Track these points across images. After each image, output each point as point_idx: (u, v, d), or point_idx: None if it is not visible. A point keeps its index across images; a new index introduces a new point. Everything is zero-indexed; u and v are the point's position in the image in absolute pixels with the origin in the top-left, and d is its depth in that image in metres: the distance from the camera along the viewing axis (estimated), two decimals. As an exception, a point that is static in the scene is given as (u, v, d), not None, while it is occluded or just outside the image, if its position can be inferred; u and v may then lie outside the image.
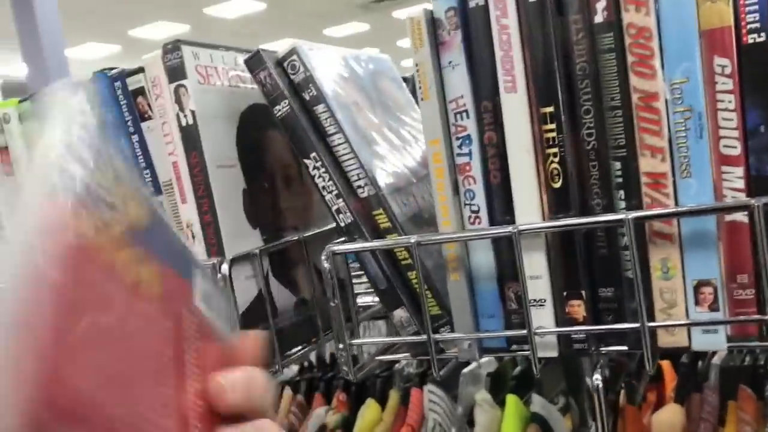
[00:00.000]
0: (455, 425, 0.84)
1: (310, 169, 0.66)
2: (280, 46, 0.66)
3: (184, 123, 0.67)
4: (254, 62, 0.65)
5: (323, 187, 0.66)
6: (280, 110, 0.65)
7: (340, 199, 0.65)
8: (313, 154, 0.65)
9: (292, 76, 0.66)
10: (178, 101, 0.67)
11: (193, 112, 0.66)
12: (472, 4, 0.57)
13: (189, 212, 0.69)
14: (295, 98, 0.65)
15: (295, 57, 0.65)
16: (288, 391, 1.05)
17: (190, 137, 0.67)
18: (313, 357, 1.19)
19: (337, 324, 0.63)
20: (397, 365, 0.98)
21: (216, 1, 7.12)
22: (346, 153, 0.65)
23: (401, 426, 0.86)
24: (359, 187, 0.66)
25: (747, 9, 0.51)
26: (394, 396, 0.91)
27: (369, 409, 0.90)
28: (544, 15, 0.55)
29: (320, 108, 0.65)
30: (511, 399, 0.79)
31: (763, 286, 0.52)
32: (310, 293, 0.78)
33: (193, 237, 0.69)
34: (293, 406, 1.02)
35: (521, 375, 0.88)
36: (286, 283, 0.76)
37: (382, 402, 0.91)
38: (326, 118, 0.65)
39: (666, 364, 0.88)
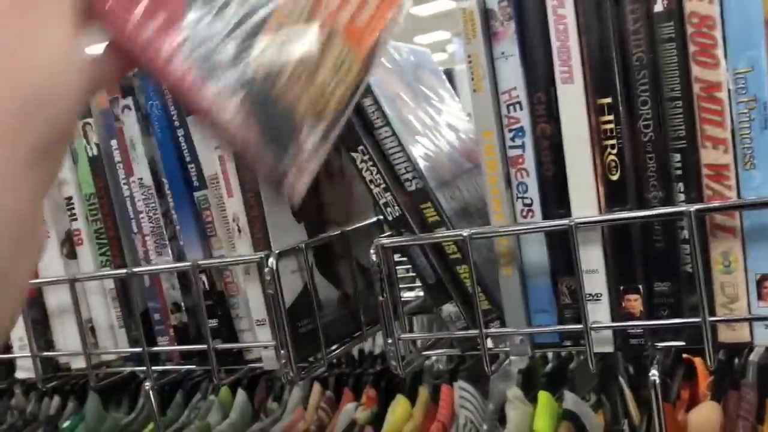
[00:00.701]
0: (486, 422, 0.83)
1: (358, 162, 0.65)
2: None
3: (229, 116, 0.66)
4: None
5: (370, 181, 0.65)
6: None
7: (388, 193, 0.65)
8: (361, 147, 0.65)
9: None
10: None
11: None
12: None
13: (235, 206, 0.68)
14: None
15: None
16: (317, 387, 1.05)
17: (237, 131, 0.66)
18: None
19: (387, 318, 0.63)
20: (426, 361, 0.97)
21: None
22: (393, 146, 0.65)
23: (432, 422, 0.86)
24: (407, 180, 0.65)
25: (815, -5, 0.50)
26: (423, 392, 0.90)
27: (399, 406, 0.89)
28: (602, 4, 0.54)
29: (367, 101, 0.64)
30: (543, 395, 0.78)
31: (828, 280, 0.50)
32: (353, 287, 0.78)
33: (239, 231, 0.69)
34: (323, 402, 1.02)
35: (552, 372, 0.88)
36: (329, 278, 0.75)
37: (412, 398, 0.90)
38: (373, 111, 0.64)
39: (699, 362, 0.87)
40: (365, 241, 0.69)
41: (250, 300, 0.71)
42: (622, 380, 0.84)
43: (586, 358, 0.88)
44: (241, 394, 0.99)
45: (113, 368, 0.87)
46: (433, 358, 0.99)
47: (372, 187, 0.65)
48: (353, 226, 0.78)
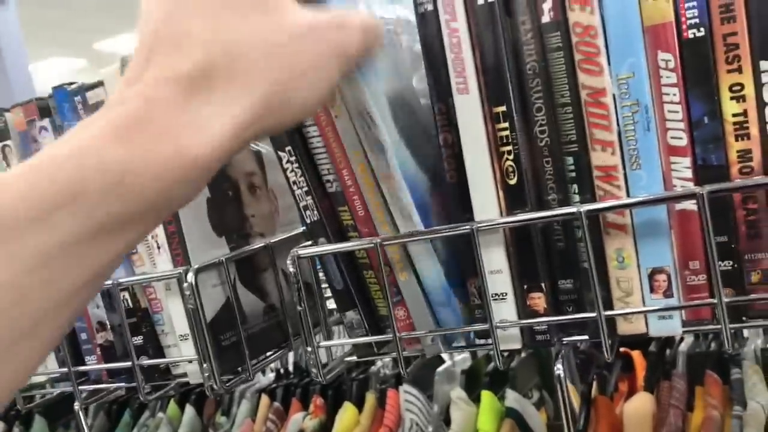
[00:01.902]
0: (432, 424, 0.85)
1: (284, 162, 0.65)
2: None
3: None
4: None
5: (294, 182, 0.66)
6: None
7: (309, 196, 0.65)
8: (288, 148, 0.65)
9: None
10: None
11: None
12: (421, 10, 0.59)
13: (153, 223, 0.69)
14: None
15: None
16: (265, 399, 1.05)
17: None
18: (290, 364, 1.20)
19: (305, 327, 0.64)
20: (372, 367, 0.99)
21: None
22: (319, 146, 0.65)
23: (379, 427, 0.87)
24: (328, 181, 0.66)
25: (686, 5, 0.53)
26: (370, 398, 0.91)
27: (346, 413, 0.91)
28: (493, 17, 0.57)
29: None
30: (486, 395, 0.80)
31: (713, 272, 0.54)
32: (278, 298, 0.79)
33: (159, 247, 0.69)
34: (271, 413, 1.03)
35: (496, 371, 0.90)
36: (254, 290, 0.76)
37: (360, 405, 0.92)
38: None
39: (637, 355, 0.90)
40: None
41: (173, 315, 0.71)
42: (563, 376, 0.87)
43: (527, 356, 0.91)
44: (189, 410, 1.00)
45: (45, 390, 0.86)
46: (379, 363, 1.00)
47: (295, 188, 0.66)
48: (277, 238, 0.79)
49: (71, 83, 0.72)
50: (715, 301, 0.54)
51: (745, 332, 0.87)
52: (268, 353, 0.77)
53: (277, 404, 1.04)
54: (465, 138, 0.59)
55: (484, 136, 0.58)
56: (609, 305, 0.58)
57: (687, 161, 0.55)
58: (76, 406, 0.78)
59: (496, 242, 0.59)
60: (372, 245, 0.62)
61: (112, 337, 0.77)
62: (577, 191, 0.58)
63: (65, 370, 0.79)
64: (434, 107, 0.61)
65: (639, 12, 0.54)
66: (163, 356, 0.74)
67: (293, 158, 0.65)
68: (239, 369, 0.74)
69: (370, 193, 0.63)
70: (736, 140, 0.54)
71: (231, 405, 1.09)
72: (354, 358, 0.69)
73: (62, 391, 0.85)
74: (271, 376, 1.19)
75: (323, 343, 0.65)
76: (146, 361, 0.73)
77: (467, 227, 0.58)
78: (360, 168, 0.63)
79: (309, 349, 0.64)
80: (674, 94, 0.54)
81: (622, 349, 0.89)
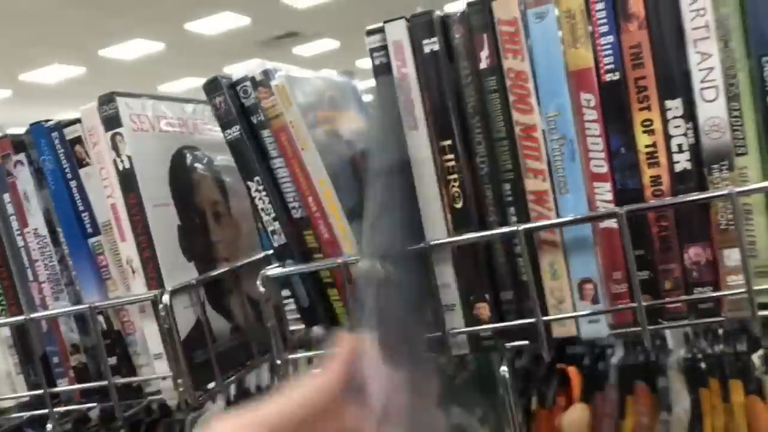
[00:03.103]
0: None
1: (252, 191, 0.71)
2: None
3: (121, 167, 0.73)
4: (211, 87, 0.71)
5: (262, 209, 0.72)
6: (230, 134, 0.71)
7: (276, 222, 0.72)
8: (257, 178, 0.71)
9: (243, 100, 0.71)
10: (115, 148, 0.73)
11: (129, 157, 0.73)
12: (377, 62, 0.67)
13: (129, 249, 0.75)
14: (245, 122, 0.71)
15: (247, 82, 0.70)
16: None
17: (128, 180, 0.73)
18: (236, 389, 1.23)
19: (276, 342, 0.70)
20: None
21: (112, 42, 7.02)
22: (285, 175, 0.71)
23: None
24: (294, 208, 0.72)
25: (603, 53, 0.62)
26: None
27: None
28: (437, 63, 0.65)
29: (265, 132, 0.71)
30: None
31: (632, 280, 0.62)
32: (244, 320, 0.85)
33: (134, 272, 0.75)
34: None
35: (441, 386, 0.96)
36: (221, 311, 0.82)
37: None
38: (271, 142, 0.71)
39: (572, 370, 0.98)
40: (254, 276, 0.76)
41: (147, 336, 0.76)
42: (508, 377, 0.93)
43: (471, 372, 0.98)
44: (142, 440, 1.02)
45: (13, 415, 0.89)
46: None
47: (263, 215, 0.72)
48: (242, 263, 0.85)
49: (47, 120, 0.77)
50: (635, 305, 0.63)
51: (669, 343, 0.96)
52: (236, 370, 0.82)
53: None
54: (416, 169, 0.66)
55: (433, 167, 0.66)
56: (545, 312, 0.66)
57: (608, 186, 0.64)
58: (49, 427, 0.81)
59: (444, 259, 0.67)
60: (337, 265, 0.69)
61: (85, 359, 0.81)
62: (514, 213, 0.66)
63: (36, 392, 0.82)
64: (389, 143, 0.68)
65: (564, 59, 0.63)
66: (135, 376, 0.79)
67: (261, 187, 0.71)
68: (208, 385, 0.79)
69: (335, 217, 0.70)
70: (649, 167, 0.63)
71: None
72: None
73: (31, 414, 0.87)
74: (221, 403, 1.23)
75: (292, 355, 0.72)
76: (122, 380, 0.77)
77: (422, 245, 0.66)
78: (325, 194, 0.70)
79: (279, 361, 0.70)
80: (595, 129, 0.64)
81: (558, 366, 0.97)
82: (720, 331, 0.87)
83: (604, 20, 0.62)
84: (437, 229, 0.67)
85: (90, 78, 7.90)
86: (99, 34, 6.65)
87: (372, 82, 0.67)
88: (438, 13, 0.66)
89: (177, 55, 7.73)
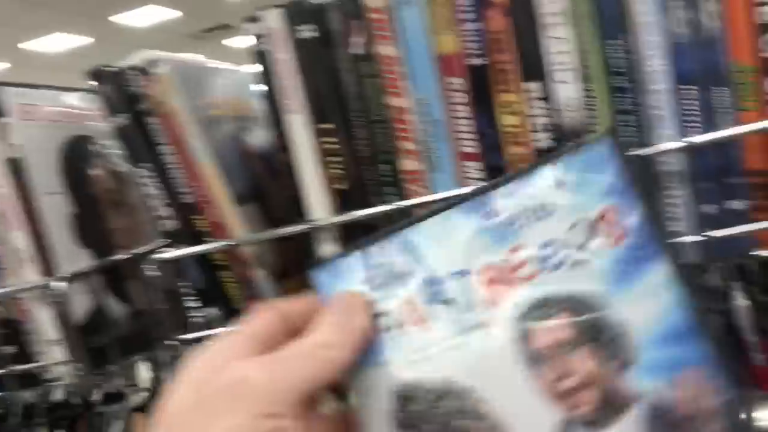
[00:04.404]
0: None
1: (141, 178, 0.73)
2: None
3: (10, 156, 0.74)
4: (97, 76, 0.72)
5: (151, 195, 0.74)
6: (117, 122, 0.72)
7: (166, 207, 0.74)
8: (145, 164, 0.73)
9: (129, 89, 0.72)
10: (2, 136, 0.73)
11: (19, 146, 0.73)
12: (257, 49, 0.69)
13: (20, 238, 0.75)
14: (132, 110, 0.72)
15: (134, 71, 0.72)
16: (139, 417, 1.09)
17: (17, 168, 0.74)
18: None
19: (166, 324, 0.72)
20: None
21: (37, 35, 6.83)
22: (173, 162, 0.73)
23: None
24: (183, 193, 0.74)
25: (468, 39, 0.66)
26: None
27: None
28: (313, 49, 0.68)
29: (152, 120, 0.72)
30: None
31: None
32: (144, 305, 0.86)
33: (27, 261, 0.76)
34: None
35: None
36: (120, 297, 0.84)
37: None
38: (158, 130, 0.72)
39: None
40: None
41: (44, 324, 0.77)
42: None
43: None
44: (60, 434, 1.03)
45: None
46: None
47: (152, 201, 0.74)
48: (141, 249, 0.87)
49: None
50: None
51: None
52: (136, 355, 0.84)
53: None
54: (297, 152, 0.69)
55: (313, 149, 0.69)
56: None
57: (477, 164, 0.68)
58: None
59: (328, 239, 0.70)
60: (225, 247, 0.71)
61: (-16, 349, 0.81)
62: (393, 192, 0.69)
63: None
64: (273, 131, 0.71)
65: (432, 45, 0.67)
66: (35, 363, 0.80)
67: (149, 173, 0.73)
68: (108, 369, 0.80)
69: (222, 202, 0.73)
70: (513, 146, 0.67)
71: (102, 426, 1.13)
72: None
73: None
74: (144, 394, 1.24)
75: (183, 336, 0.74)
76: (19, 367, 0.78)
77: (306, 226, 0.69)
78: (211, 179, 0.72)
79: (173, 343, 0.72)
80: (464, 111, 0.67)
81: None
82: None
83: (468, 8, 0.66)
84: (320, 211, 0.70)
85: (14, 72, 7.68)
86: (23, 27, 6.47)
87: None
88: (314, 0, 0.69)
89: (106, 49, 7.56)
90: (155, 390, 1.21)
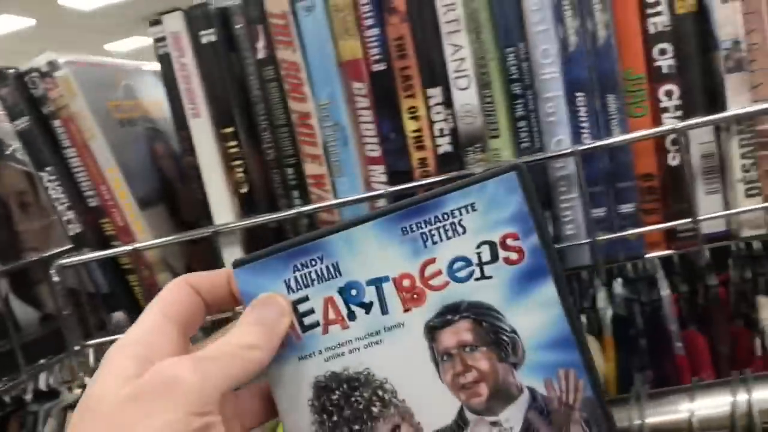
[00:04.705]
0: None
1: (45, 181, 0.72)
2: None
3: None
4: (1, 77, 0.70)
5: (56, 199, 0.73)
6: (19, 125, 0.71)
7: (71, 211, 0.73)
8: (49, 168, 0.72)
9: (32, 91, 0.71)
10: None
11: None
12: (160, 51, 0.68)
13: None
14: (35, 113, 0.71)
15: (35, 73, 0.70)
16: (71, 414, 1.08)
17: None
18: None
19: (71, 331, 0.72)
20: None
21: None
22: (78, 164, 0.72)
23: None
24: (89, 196, 0.73)
25: (370, 45, 0.67)
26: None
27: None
28: (216, 53, 0.67)
29: (56, 123, 0.71)
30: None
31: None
32: (53, 309, 0.85)
33: (-74, 266, 0.74)
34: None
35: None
36: (29, 301, 0.82)
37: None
38: (61, 132, 0.71)
39: None
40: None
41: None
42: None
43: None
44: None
45: None
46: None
47: (57, 205, 0.73)
48: (51, 252, 0.85)
49: None
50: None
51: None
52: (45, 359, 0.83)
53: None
54: (201, 155, 0.69)
55: (217, 153, 0.69)
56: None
57: (382, 168, 0.69)
58: None
59: (233, 242, 0.70)
60: (128, 251, 0.70)
61: None
62: (298, 196, 0.70)
63: None
64: (177, 134, 0.71)
65: (334, 50, 0.67)
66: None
67: (53, 177, 0.72)
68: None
69: (126, 206, 0.72)
70: (416, 151, 0.68)
71: (36, 425, 1.11)
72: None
73: None
74: (78, 391, 1.22)
75: (89, 342, 0.73)
76: None
77: (208, 230, 0.69)
78: (115, 183, 0.71)
79: (77, 348, 0.72)
80: (368, 116, 0.68)
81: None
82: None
83: (370, 13, 0.66)
84: (224, 215, 0.70)
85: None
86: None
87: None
88: (216, 5, 0.68)
89: (50, 33, 7.35)
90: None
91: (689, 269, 0.99)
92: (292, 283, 0.46)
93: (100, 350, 0.78)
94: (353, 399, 0.46)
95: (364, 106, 0.68)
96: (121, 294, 0.75)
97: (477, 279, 0.45)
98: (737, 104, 0.62)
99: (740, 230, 0.64)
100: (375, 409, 0.46)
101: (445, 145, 0.67)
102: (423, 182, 0.68)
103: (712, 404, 0.49)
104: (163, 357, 0.41)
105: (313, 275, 0.46)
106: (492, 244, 0.45)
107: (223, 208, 0.70)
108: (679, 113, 0.64)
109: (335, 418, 0.46)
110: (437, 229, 0.45)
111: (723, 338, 0.92)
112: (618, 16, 0.63)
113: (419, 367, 0.46)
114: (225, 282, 0.45)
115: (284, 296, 0.46)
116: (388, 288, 0.46)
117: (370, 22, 0.66)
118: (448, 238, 0.45)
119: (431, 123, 0.67)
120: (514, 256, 0.45)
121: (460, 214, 0.45)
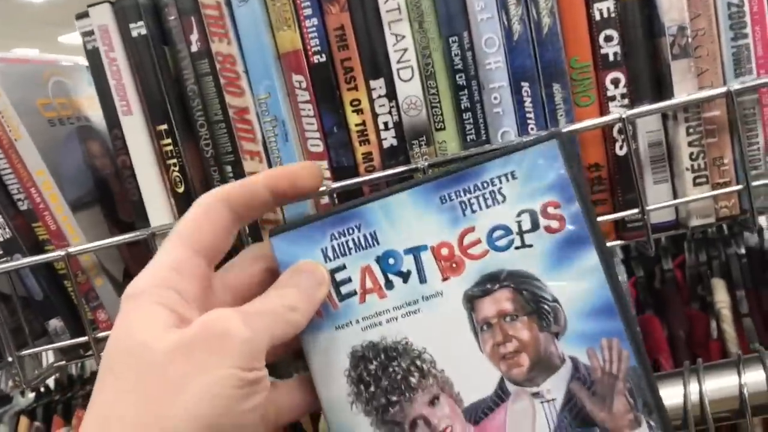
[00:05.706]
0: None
1: None
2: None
3: None
4: None
5: None
6: None
7: (0, 215, 0.69)
8: None
9: None
10: None
11: None
12: (89, 46, 0.65)
13: None
14: None
15: None
16: (24, 420, 1.05)
17: None
18: (51, 382, 1.19)
19: (4, 338, 0.68)
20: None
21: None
22: (6, 167, 0.68)
23: None
24: (19, 200, 0.70)
25: (310, 36, 0.64)
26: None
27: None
28: (147, 47, 0.64)
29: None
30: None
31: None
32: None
33: None
34: (32, 435, 1.03)
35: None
36: (-39, 309, 0.78)
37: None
38: None
39: None
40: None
41: None
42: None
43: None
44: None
45: None
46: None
47: (-15, 208, 0.70)
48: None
49: None
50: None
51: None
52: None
53: (38, 424, 1.04)
54: (134, 154, 0.66)
55: (151, 152, 0.66)
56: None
57: (325, 164, 0.66)
58: None
59: (172, 244, 0.67)
60: (60, 256, 0.67)
61: None
62: (238, 195, 0.67)
63: None
64: (110, 133, 0.67)
65: (272, 42, 0.64)
66: None
67: (-20, 180, 0.69)
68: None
69: (57, 209, 0.68)
70: (360, 145, 0.66)
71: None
72: (63, 362, 0.74)
73: None
74: (31, 396, 1.18)
75: (25, 352, 0.70)
76: None
77: (144, 233, 0.66)
78: (44, 185, 0.68)
79: (10, 359, 0.68)
80: (309, 110, 0.65)
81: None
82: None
83: (308, 2, 0.63)
84: (161, 216, 0.67)
85: None
86: None
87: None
88: (147, -4, 0.65)
89: (2, 26, 7.16)
90: (46, 392, 1.16)
91: (645, 253, 0.99)
92: (329, 252, 0.46)
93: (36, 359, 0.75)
94: (391, 369, 0.45)
95: (304, 100, 0.65)
96: (56, 300, 0.71)
97: (517, 248, 0.44)
98: (683, 91, 0.60)
99: (689, 219, 0.63)
100: (413, 380, 0.45)
101: (390, 139, 0.65)
102: (368, 178, 0.65)
103: (664, 395, 0.48)
104: (195, 301, 0.41)
105: (351, 244, 0.46)
106: (533, 213, 0.45)
107: (159, 209, 0.67)
108: (626, 101, 0.62)
109: (372, 388, 0.45)
110: (476, 197, 0.45)
111: (680, 322, 0.92)
112: (562, 2, 0.62)
113: (458, 337, 0.44)
114: (262, 187, 0.47)
115: (322, 264, 0.46)
116: (427, 257, 0.45)
117: (308, 11, 0.64)
118: (488, 207, 0.44)
119: (375, 116, 0.65)
120: (555, 224, 0.44)
121: (500, 182, 0.45)
